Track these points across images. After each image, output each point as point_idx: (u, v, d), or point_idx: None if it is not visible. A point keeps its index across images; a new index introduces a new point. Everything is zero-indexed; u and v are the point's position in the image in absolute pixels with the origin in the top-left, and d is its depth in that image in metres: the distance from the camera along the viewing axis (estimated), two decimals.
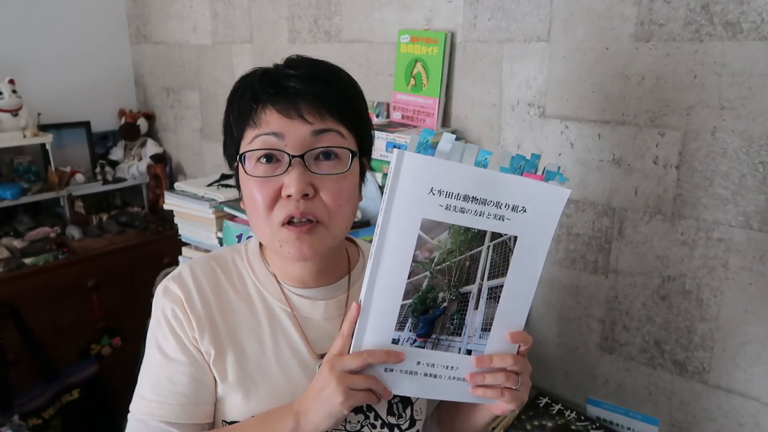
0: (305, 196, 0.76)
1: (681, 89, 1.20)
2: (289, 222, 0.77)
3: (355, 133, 0.82)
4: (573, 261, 1.43)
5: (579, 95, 1.35)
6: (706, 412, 1.30)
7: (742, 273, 1.19)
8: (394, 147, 1.53)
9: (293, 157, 0.76)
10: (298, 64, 0.81)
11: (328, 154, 0.78)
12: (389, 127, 1.60)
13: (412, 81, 1.61)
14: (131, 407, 0.83)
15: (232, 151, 0.83)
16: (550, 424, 1.38)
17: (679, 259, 1.27)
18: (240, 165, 0.80)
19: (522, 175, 0.71)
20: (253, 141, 0.78)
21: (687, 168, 1.22)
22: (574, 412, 1.42)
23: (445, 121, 1.60)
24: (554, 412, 1.43)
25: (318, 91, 0.77)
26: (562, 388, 1.52)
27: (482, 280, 0.73)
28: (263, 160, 0.78)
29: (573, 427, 1.38)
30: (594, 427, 1.38)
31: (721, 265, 1.21)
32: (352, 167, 0.79)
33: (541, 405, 1.44)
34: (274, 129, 0.77)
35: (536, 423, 1.39)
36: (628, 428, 1.38)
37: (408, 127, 1.62)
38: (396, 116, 1.67)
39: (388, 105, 1.71)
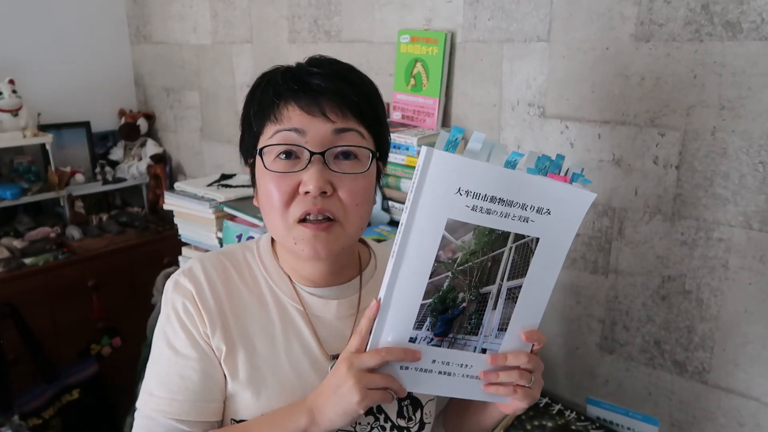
0: (323, 193, 0.75)
1: (681, 89, 1.20)
2: (305, 219, 0.76)
3: (373, 135, 0.81)
4: (573, 261, 1.43)
5: (579, 95, 1.35)
6: (706, 412, 1.30)
7: (742, 273, 1.19)
8: (399, 147, 1.53)
9: (313, 153, 0.75)
10: (321, 63, 0.81)
11: (347, 154, 0.77)
12: (389, 127, 1.60)
13: (412, 81, 1.61)
14: (138, 404, 0.81)
15: (250, 146, 0.82)
16: (550, 424, 1.38)
17: (679, 259, 1.27)
18: (258, 160, 0.79)
19: (546, 175, 0.69)
20: (273, 136, 0.77)
21: (687, 168, 1.22)
22: (574, 412, 1.42)
23: (445, 121, 1.60)
24: (554, 412, 1.42)
25: (341, 90, 0.77)
26: (562, 388, 1.52)
27: (502, 280, 0.72)
28: (282, 156, 0.77)
29: (573, 427, 1.38)
30: (594, 427, 1.38)
31: (721, 265, 1.21)
32: (370, 168, 0.79)
33: (541, 405, 1.44)
34: (295, 125, 0.76)
35: (536, 423, 1.39)
36: (628, 428, 1.38)
37: (408, 127, 1.62)
38: (396, 116, 1.67)
39: (388, 105, 1.71)
